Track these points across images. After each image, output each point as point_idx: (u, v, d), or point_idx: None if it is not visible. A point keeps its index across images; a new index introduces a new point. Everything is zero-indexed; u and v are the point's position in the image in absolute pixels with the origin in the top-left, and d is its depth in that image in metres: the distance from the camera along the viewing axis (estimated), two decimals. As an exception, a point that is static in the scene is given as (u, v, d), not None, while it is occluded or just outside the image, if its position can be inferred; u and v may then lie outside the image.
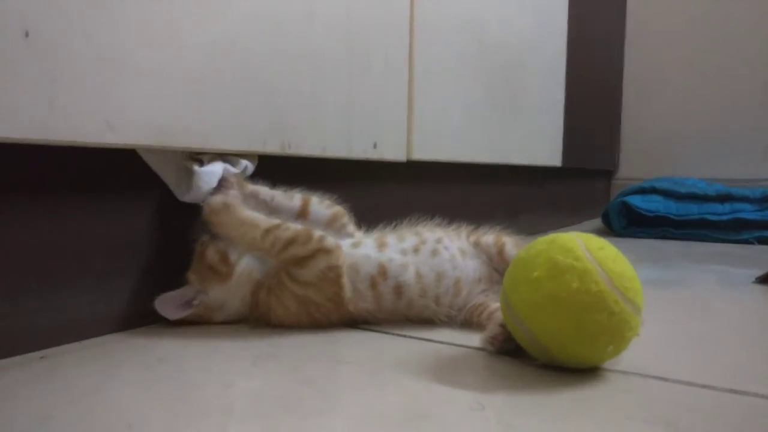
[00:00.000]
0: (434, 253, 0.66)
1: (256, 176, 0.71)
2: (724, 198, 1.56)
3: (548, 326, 0.47)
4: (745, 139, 1.96)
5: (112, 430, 0.38)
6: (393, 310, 0.64)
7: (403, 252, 0.65)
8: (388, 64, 0.88)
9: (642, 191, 1.62)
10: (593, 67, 1.87)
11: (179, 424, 0.39)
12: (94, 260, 0.58)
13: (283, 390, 0.46)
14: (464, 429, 0.39)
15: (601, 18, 1.93)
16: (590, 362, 0.50)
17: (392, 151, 0.91)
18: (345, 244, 0.65)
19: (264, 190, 0.68)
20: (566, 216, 1.74)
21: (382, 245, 0.66)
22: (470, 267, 0.67)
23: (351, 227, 0.70)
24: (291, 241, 0.60)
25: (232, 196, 0.63)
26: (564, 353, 0.48)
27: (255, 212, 0.63)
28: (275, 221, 0.62)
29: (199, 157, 0.66)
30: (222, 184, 0.65)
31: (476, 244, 0.70)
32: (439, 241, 0.67)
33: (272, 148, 0.69)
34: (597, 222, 1.80)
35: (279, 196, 0.68)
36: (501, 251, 0.69)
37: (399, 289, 0.64)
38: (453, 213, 0.77)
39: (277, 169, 0.76)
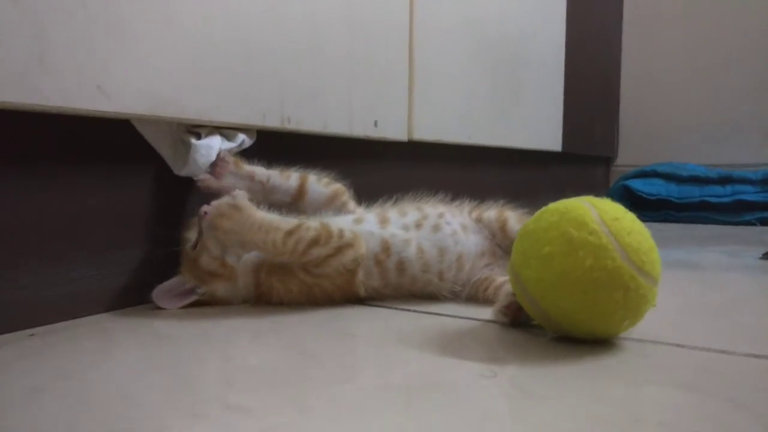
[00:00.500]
0: (436, 228, 0.64)
1: (254, 153, 0.69)
2: (725, 180, 1.55)
3: (561, 304, 0.45)
4: (742, 124, 1.94)
5: (107, 402, 0.36)
6: (397, 286, 0.63)
7: (405, 227, 0.64)
8: (388, 42, 0.86)
9: (643, 175, 1.61)
10: (592, 56, 1.86)
11: (176, 396, 0.37)
12: (88, 234, 0.56)
13: (285, 363, 0.44)
14: (477, 395, 0.37)
15: (598, 8, 1.92)
16: (605, 335, 0.48)
17: (393, 130, 0.89)
18: (347, 220, 0.63)
19: (260, 171, 0.65)
20: (566, 201, 1.71)
21: (384, 221, 0.64)
22: (472, 242, 0.66)
23: (352, 204, 0.68)
24: (314, 242, 0.57)
25: (240, 196, 0.57)
26: (578, 329, 0.46)
27: (266, 213, 0.58)
28: (294, 222, 0.58)
29: (196, 130, 0.64)
30: (217, 162, 0.63)
31: (478, 220, 0.69)
32: (441, 216, 0.66)
33: (272, 122, 0.67)
34: (597, 208, 1.78)
35: (275, 176, 0.66)
36: (503, 227, 0.67)
37: (401, 265, 0.62)
38: (454, 194, 0.75)
39: (276, 146, 0.74)
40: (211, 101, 0.60)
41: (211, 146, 0.65)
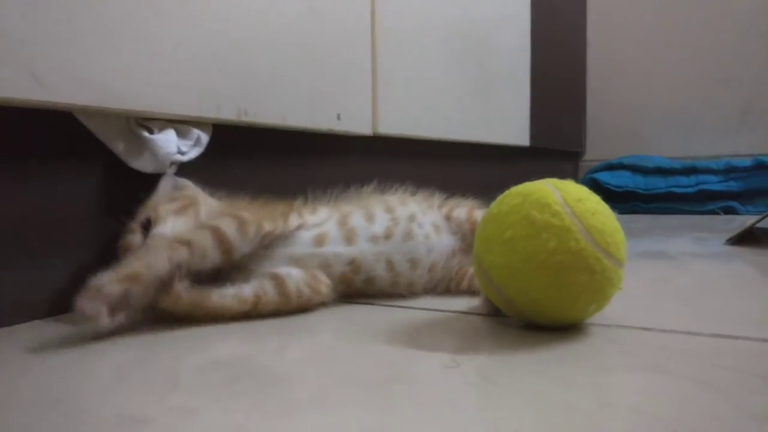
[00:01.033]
0: (407, 235, 0.60)
1: (210, 149, 0.66)
2: (689, 171, 1.57)
3: (526, 289, 0.44)
4: (709, 116, 1.98)
5: (37, 406, 0.33)
6: (363, 292, 0.61)
7: (374, 239, 0.59)
8: (350, 32, 0.84)
9: (610, 167, 1.62)
10: (557, 49, 1.86)
11: (116, 399, 0.35)
12: (27, 237, 0.53)
13: (244, 360, 0.42)
14: (438, 385, 0.36)
15: (562, 1, 1.93)
16: (571, 321, 0.47)
17: (357, 124, 0.87)
18: (305, 243, 0.57)
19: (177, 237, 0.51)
20: (535, 197, 1.71)
21: (350, 236, 0.58)
22: (445, 244, 0.63)
23: (294, 221, 0.58)
24: (276, 312, 0.53)
25: (184, 290, 0.49)
26: (544, 315, 0.45)
27: (222, 292, 0.51)
28: (249, 300, 0.52)
29: (147, 125, 0.62)
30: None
31: (448, 218, 0.67)
32: (412, 218, 0.62)
33: (227, 114, 0.65)
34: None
35: (198, 240, 0.50)
36: (474, 229, 0.65)
37: (370, 282, 0.59)
38: (421, 190, 0.73)
39: (233, 141, 0.72)
40: (161, 92, 0.58)
41: (169, 139, 0.62)
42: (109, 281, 0.44)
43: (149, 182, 0.60)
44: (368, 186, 0.67)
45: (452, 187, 0.73)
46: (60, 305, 0.55)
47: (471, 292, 0.60)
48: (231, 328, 0.50)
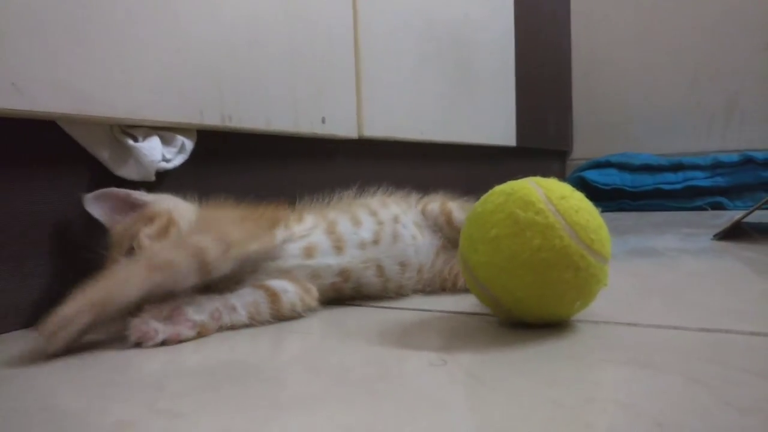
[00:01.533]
0: (395, 238, 0.60)
1: (195, 155, 0.66)
2: (676, 167, 1.58)
3: (511, 287, 0.44)
4: (695, 113, 1.99)
5: (22, 414, 0.33)
6: (353, 297, 0.60)
7: (362, 245, 0.59)
8: (332, 35, 0.84)
9: (597, 165, 1.63)
10: (542, 47, 1.87)
11: (104, 404, 0.34)
12: (9, 245, 0.52)
13: (232, 362, 0.42)
14: (425, 383, 0.35)
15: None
16: (558, 319, 0.47)
17: (342, 127, 0.87)
18: (294, 254, 0.56)
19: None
20: (524, 197, 1.72)
21: (338, 244, 0.57)
22: (429, 242, 0.64)
23: (280, 235, 0.56)
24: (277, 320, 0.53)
25: (161, 329, 0.46)
26: (530, 313, 0.45)
27: (214, 321, 0.49)
28: (244, 320, 0.51)
29: (132, 132, 0.61)
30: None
31: (424, 214, 0.67)
32: (396, 219, 0.62)
33: (211, 120, 0.65)
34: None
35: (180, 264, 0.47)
36: (449, 220, 0.65)
37: (360, 288, 0.59)
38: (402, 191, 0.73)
39: (218, 147, 0.72)
40: (143, 98, 0.57)
41: (153, 147, 0.62)
42: (77, 311, 0.42)
43: (136, 190, 0.59)
44: (352, 189, 0.67)
45: (440, 189, 0.73)
46: (42, 314, 0.55)
47: (467, 290, 0.59)
48: (220, 330, 0.49)
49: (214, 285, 0.51)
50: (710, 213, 1.45)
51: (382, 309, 0.56)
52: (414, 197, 0.69)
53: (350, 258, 0.58)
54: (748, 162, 1.53)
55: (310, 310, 0.55)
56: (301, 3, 0.78)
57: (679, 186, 1.54)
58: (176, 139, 0.65)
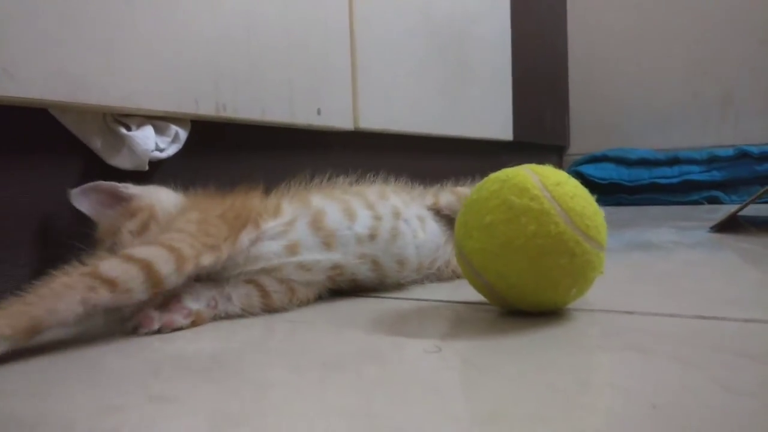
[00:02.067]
0: (394, 235, 0.57)
1: (189, 145, 0.66)
2: (672, 162, 1.58)
3: (506, 274, 0.43)
4: (691, 107, 1.99)
5: (12, 396, 0.33)
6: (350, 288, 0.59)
7: (359, 240, 0.55)
8: (328, 26, 0.84)
9: (594, 160, 1.63)
10: (539, 42, 1.87)
11: (92, 388, 0.34)
12: (3, 232, 0.52)
13: (226, 350, 0.41)
14: (419, 369, 0.35)
15: (542, -7, 1.94)
16: (553, 306, 0.46)
17: (338, 119, 0.86)
18: (275, 251, 0.52)
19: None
20: (521, 191, 1.72)
21: (328, 240, 0.54)
22: (432, 239, 0.61)
23: (244, 239, 0.51)
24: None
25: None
26: (525, 300, 0.45)
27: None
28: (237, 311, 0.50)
29: (125, 121, 0.61)
30: None
31: (436, 209, 0.65)
32: (396, 215, 0.58)
33: (206, 109, 0.64)
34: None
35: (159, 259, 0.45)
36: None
37: (355, 281, 0.57)
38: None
39: (212, 137, 0.71)
40: (137, 86, 0.57)
41: (147, 136, 0.62)
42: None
43: (129, 179, 0.59)
44: (347, 178, 0.64)
45: (436, 183, 0.73)
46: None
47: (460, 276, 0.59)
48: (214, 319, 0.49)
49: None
50: (706, 207, 1.45)
51: (378, 299, 0.56)
52: (418, 189, 0.67)
53: (342, 254, 0.54)
54: (743, 156, 1.53)
55: (302, 304, 0.54)
56: (296, -6, 0.77)
57: (675, 180, 1.54)
58: (170, 128, 0.65)
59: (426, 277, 0.62)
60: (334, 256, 0.54)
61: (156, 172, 0.64)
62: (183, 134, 0.66)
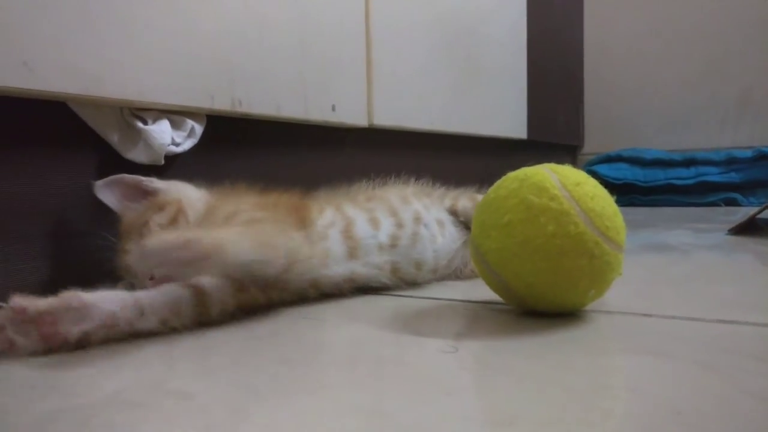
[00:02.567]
0: (414, 240, 0.58)
1: (204, 140, 0.66)
2: (689, 162, 1.56)
3: (524, 274, 0.43)
4: (708, 108, 1.97)
5: (33, 389, 0.33)
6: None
7: (380, 248, 0.56)
8: (343, 23, 0.83)
9: (609, 160, 1.62)
10: (554, 40, 1.86)
11: (108, 382, 0.34)
12: (15, 225, 0.52)
13: (243, 347, 0.41)
14: (434, 368, 0.35)
15: (559, -9, 1.92)
16: (571, 307, 0.46)
17: (352, 115, 0.86)
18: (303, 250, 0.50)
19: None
20: (534, 190, 1.71)
21: (353, 247, 0.54)
22: (450, 243, 0.61)
23: (297, 239, 0.50)
24: None
25: None
26: (542, 301, 0.44)
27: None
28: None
29: (141, 116, 0.61)
30: None
31: (453, 212, 0.65)
32: (417, 219, 0.59)
33: (221, 104, 0.64)
34: (565, 196, 1.78)
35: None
36: None
37: (369, 284, 0.57)
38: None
39: (227, 132, 0.71)
40: (154, 81, 0.57)
41: (163, 130, 0.62)
42: (173, 245, 0.37)
43: (144, 173, 0.59)
44: (364, 180, 0.64)
45: (449, 180, 0.72)
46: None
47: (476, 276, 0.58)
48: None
49: None
50: (723, 209, 1.43)
51: (394, 297, 0.56)
52: (437, 191, 0.66)
53: (362, 264, 0.55)
54: (762, 158, 1.51)
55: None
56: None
57: (691, 181, 1.52)
58: (186, 122, 0.65)
59: (443, 277, 0.62)
60: (354, 266, 0.54)
61: (171, 166, 0.64)
62: (199, 129, 0.66)
